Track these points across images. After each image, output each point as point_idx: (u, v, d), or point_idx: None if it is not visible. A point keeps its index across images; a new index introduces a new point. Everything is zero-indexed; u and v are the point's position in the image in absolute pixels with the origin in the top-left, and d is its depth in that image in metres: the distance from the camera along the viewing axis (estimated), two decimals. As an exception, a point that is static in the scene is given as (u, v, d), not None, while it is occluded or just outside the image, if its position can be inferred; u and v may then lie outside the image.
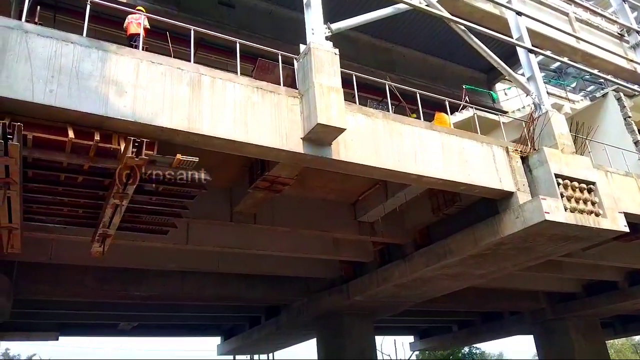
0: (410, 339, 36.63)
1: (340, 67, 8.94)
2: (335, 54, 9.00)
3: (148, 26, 9.25)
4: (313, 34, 9.15)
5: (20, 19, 7.49)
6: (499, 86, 20.30)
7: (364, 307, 17.50)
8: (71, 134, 6.74)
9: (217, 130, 7.72)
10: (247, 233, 13.30)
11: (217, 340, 30.19)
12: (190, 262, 15.15)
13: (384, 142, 9.33)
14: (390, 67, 17.20)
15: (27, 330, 21.47)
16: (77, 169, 7.55)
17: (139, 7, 10.07)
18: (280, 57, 9.36)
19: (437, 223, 13.24)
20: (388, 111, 10.45)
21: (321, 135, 8.37)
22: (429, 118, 11.83)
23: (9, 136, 6.11)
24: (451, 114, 12.41)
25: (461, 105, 13.71)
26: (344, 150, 8.71)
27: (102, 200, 8.35)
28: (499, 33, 12.84)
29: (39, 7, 9.40)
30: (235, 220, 12.20)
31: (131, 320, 23.76)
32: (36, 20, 8.50)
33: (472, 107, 13.88)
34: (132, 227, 9.55)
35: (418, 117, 10.98)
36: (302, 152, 8.36)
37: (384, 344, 35.52)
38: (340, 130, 8.37)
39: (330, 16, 9.57)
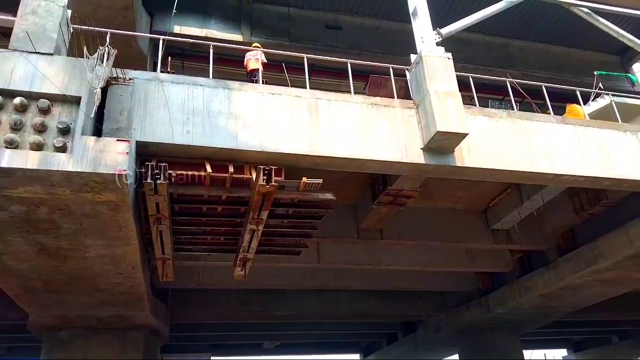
0: (563, 352, 33.57)
1: (455, 71, 8.68)
2: (448, 58, 8.77)
3: (265, 60, 9.82)
4: (423, 42, 9.03)
5: (155, 70, 8.40)
6: (636, 67, 18.17)
7: (507, 320, 16.50)
8: (209, 168, 7.35)
9: (337, 151, 7.90)
10: (375, 249, 13.33)
11: (356, 357, 30.40)
12: (324, 280, 15.52)
13: (511, 142, 8.82)
14: (509, 63, 16.25)
15: (183, 352, 23.46)
16: (216, 200, 8.20)
17: (255, 44, 10.74)
18: (391, 70, 9.36)
19: (581, 224, 12.16)
20: (512, 109, 9.88)
21: (442, 143, 8.15)
22: (559, 112, 10.94)
23: (156, 176, 6.82)
24: (584, 104, 11.37)
25: (594, 94, 12.50)
26: (467, 155, 8.39)
27: (240, 227, 8.94)
28: (632, 9, 11.54)
29: (169, 57, 10.50)
30: (362, 237, 12.29)
31: (274, 339, 24.86)
32: (168, 69, 9.51)
33: (607, 94, 12.58)
34: (268, 249, 10.07)
35: (547, 112, 10.22)
36: (424, 162, 8.21)
37: (533, 358, 32.96)
38: (462, 136, 8.08)
39: (438, 21, 9.39)
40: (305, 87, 8.57)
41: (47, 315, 11.87)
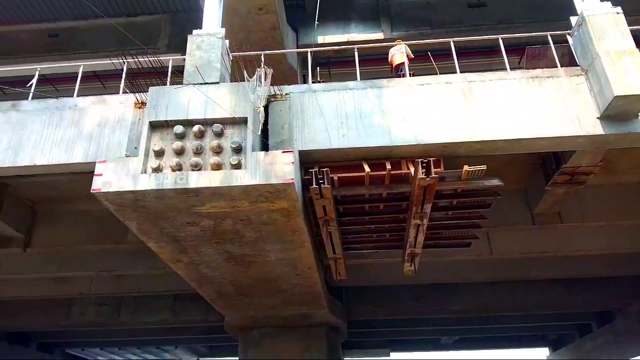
0: (545, 351, 27.54)
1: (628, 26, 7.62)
2: (618, 13, 7.73)
3: (411, 54, 9.69)
4: (583, 0, 8.10)
5: (304, 82, 8.84)
6: None
7: None
8: (367, 168, 7.50)
9: (498, 133, 7.45)
10: (554, 234, 12.20)
11: (544, 351, 28.21)
12: (498, 272, 14.68)
13: None
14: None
15: (362, 348, 24.14)
16: (377, 198, 8.33)
17: (397, 40, 10.69)
18: (549, 38, 8.53)
19: None
20: None
21: (622, 109, 7.20)
22: None
23: (320, 181, 7.17)
24: None
25: None
26: (656, 118, 7.27)
27: (404, 223, 8.94)
28: None
29: (317, 67, 10.97)
30: (538, 222, 11.37)
31: (452, 334, 24.27)
32: (318, 79, 9.93)
33: None
34: (436, 243, 9.90)
35: None
36: (602, 133, 7.34)
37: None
38: (646, 97, 7.03)
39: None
40: (454, 73, 8.26)
41: (239, 317, 13.20)
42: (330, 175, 7.29)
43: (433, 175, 7.09)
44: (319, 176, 7.17)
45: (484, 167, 7.48)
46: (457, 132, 7.48)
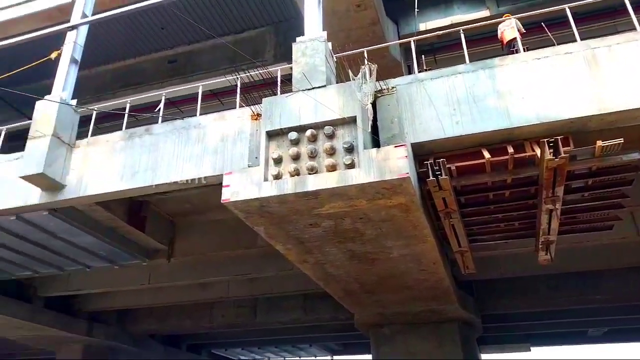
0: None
1: None
2: None
3: (522, 28, 9.07)
4: None
5: (410, 73, 8.65)
6: None
7: None
8: (486, 154, 7.13)
9: (635, 101, 6.66)
10: None
11: None
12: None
13: None
14: None
15: (499, 343, 23.00)
16: (501, 185, 7.88)
17: (505, 15, 10.05)
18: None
19: None
20: None
21: None
22: None
23: (437, 172, 6.97)
24: None
25: None
26: None
27: (534, 209, 8.37)
28: None
29: (422, 56, 10.69)
30: (695, 194, 9.97)
31: (599, 325, 22.18)
32: (424, 67, 9.68)
33: None
34: (572, 228, 9.15)
35: None
36: None
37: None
38: None
39: None
40: (574, 41, 7.55)
41: (368, 314, 13.31)
42: (447, 166, 7.04)
43: (562, 155, 6.53)
44: (435, 168, 6.97)
45: (620, 140, 6.73)
46: (584, 105, 6.82)
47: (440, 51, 13.65)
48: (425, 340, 13.10)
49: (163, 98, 9.79)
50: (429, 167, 7.01)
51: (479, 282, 15.11)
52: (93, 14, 10.39)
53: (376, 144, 7.18)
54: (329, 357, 30.38)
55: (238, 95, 8.75)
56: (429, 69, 9.03)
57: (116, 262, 12.68)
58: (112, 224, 10.99)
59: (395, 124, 7.38)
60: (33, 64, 9.97)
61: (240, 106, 8.64)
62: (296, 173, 6.82)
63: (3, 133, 10.39)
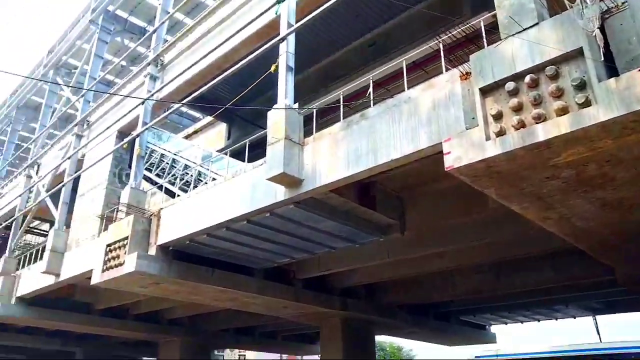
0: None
1: None
2: None
3: None
4: None
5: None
6: None
7: None
8: None
9: None
10: None
11: None
12: None
13: None
14: None
15: None
16: None
17: None
18: None
19: None
20: None
21: None
22: None
23: None
24: None
25: None
26: None
27: None
28: None
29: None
30: None
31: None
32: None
33: None
34: None
35: None
36: None
37: None
38: None
39: None
40: None
41: (633, 267, 11.68)
42: None
43: None
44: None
45: None
46: None
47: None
48: None
49: (371, 82, 10.10)
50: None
51: None
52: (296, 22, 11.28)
53: (613, 72, 6.19)
54: (590, 317, 27.58)
55: (442, 58, 8.51)
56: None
57: (356, 242, 13.63)
58: (347, 207, 11.82)
59: (634, 43, 6.24)
60: (258, 79, 11.28)
61: (447, 69, 8.39)
62: (521, 125, 6.34)
63: (247, 144, 12.07)
